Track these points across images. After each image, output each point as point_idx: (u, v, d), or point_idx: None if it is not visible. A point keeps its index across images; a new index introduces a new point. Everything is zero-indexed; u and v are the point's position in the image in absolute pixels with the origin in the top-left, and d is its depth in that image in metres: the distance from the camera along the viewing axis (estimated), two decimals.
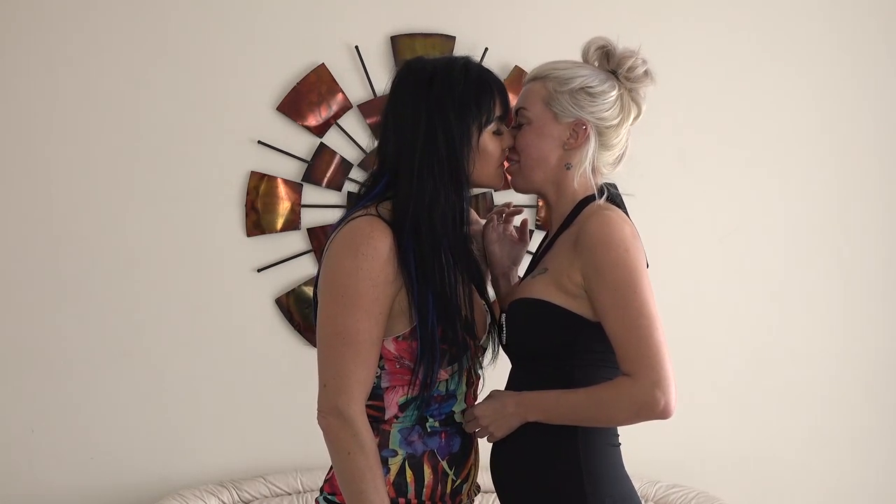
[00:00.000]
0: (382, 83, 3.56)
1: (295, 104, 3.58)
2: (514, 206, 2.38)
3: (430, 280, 2.02)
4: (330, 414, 2.00)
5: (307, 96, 3.58)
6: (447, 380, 2.10)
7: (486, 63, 2.20)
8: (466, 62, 2.12)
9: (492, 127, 2.12)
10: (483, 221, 2.39)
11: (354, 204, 2.11)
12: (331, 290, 2.01)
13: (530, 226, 2.46)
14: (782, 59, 3.83)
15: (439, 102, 2.05)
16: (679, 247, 3.75)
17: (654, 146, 3.61)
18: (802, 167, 3.85)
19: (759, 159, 3.83)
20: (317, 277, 2.11)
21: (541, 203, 3.61)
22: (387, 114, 2.12)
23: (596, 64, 2.18)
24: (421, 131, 2.04)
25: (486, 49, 3.52)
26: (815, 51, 3.84)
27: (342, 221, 2.08)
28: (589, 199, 2.16)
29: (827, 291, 3.87)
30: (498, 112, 2.12)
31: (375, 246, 1.98)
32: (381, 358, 2.04)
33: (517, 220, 2.40)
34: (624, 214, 2.13)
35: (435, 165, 2.04)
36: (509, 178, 2.22)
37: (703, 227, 3.80)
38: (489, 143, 2.12)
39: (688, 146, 3.77)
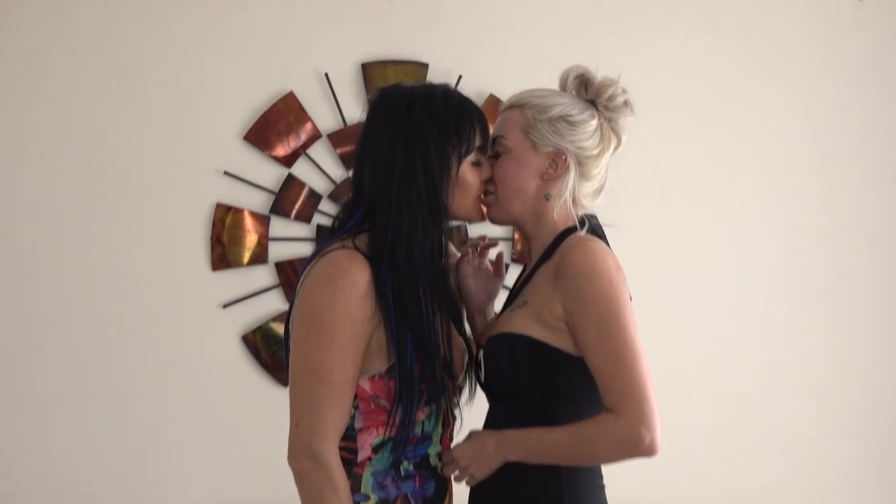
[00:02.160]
0: (353, 112, 3.61)
1: (262, 133, 3.58)
2: (490, 240, 2.38)
3: (409, 316, 2.01)
4: (302, 455, 1.98)
5: (275, 125, 3.58)
6: (423, 421, 2.09)
7: (460, 91, 2.18)
8: (446, 90, 2.12)
9: (471, 157, 2.12)
10: (458, 255, 2.38)
11: (329, 236, 2.11)
12: (306, 325, 1.99)
13: (506, 259, 2.46)
14: (765, 92, 3.87)
15: (418, 131, 2.04)
16: (661, 279, 3.76)
17: (632, 176, 3.54)
18: (787, 200, 3.88)
19: (742, 189, 3.86)
20: (289, 313, 2.10)
21: (517, 236, 3.61)
22: (363, 142, 2.11)
23: (573, 93, 2.19)
24: (399, 161, 2.03)
25: (460, 77, 3.54)
26: (800, 80, 3.88)
27: (317, 254, 2.06)
28: (569, 231, 2.15)
29: (815, 327, 3.89)
30: (478, 142, 2.12)
31: (353, 280, 1.97)
32: (354, 397, 2.02)
33: (492, 254, 2.39)
34: (606, 246, 2.14)
35: (413, 196, 2.03)
36: (485, 209, 2.22)
37: (686, 259, 3.81)
38: (468, 173, 2.12)
39: (667, 175, 3.80)
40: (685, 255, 3.83)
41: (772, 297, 3.87)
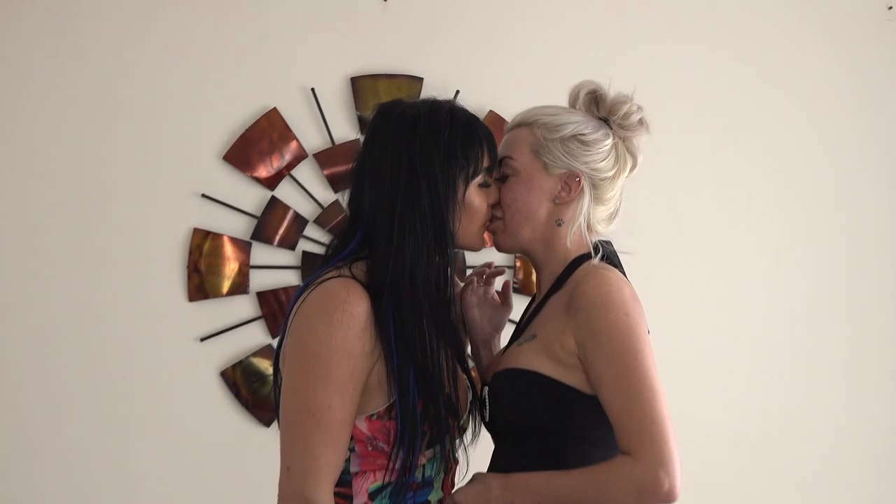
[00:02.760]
0: (341, 130, 3.62)
1: (243, 153, 3.58)
2: (497, 267, 2.38)
3: (412, 352, 2.00)
4: (294, 501, 1.95)
5: (257, 144, 3.58)
6: (425, 465, 2.07)
7: (467, 107, 2.19)
8: (452, 106, 2.11)
9: (479, 179, 2.12)
10: (461, 284, 2.38)
11: (323, 264, 2.10)
12: (299, 360, 1.98)
13: None
14: (787, 103, 3.88)
15: (423, 150, 2.04)
16: (680, 311, 3.77)
17: (644, 200, 3.43)
18: (811, 227, 3.90)
19: (762, 213, 3.88)
20: (278, 348, 2.09)
21: (518, 263, 3.62)
22: (361, 161, 2.11)
23: (585, 110, 2.20)
24: (402, 182, 2.03)
25: (458, 92, 3.51)
26: (824, 97, 3.89)
27: (310, 283, 2.04)
28: (582, 258, 2.16)
29: (833, 362, 3.90)
30: (486, 163, 2.12)
31: (352, 312, 1.96)
32: (350, 439, 2.01)
33: (499, 283, 2.39)
34: (622, 275, 2.14)
35: (417, 221, 2.03)
36: (491, 236, 2.22)
37: (706, 289, 3.83)
38: (475, 197, 2.12)
39: (681, 200, 3.81)
40: (706, 285, 3.83)
41: (797, 330, 3.89)
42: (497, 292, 2.38)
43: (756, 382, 3.86)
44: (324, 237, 3.59)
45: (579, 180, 2.15)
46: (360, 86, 3.64)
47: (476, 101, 3.45)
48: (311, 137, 3.63)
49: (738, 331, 3.86)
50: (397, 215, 2.03)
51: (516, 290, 3.56)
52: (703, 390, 3.80)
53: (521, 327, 2.23)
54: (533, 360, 2.08)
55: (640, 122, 2.19)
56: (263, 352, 3.59)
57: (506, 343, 2.29)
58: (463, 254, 3.51)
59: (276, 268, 3.62)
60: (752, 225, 3.88)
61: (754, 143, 3.88)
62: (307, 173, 3.63)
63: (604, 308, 2.01)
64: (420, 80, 3.65)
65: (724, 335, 3.85)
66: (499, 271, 2.37)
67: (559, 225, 2.17)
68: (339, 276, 2.01)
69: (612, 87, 2.21)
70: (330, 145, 3.63)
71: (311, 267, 3.53)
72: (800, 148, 3.89)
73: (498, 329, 2.37)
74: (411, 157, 2.04)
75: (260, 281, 3.61)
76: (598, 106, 2.20)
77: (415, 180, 2.03)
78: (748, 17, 3.87)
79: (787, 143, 3.88)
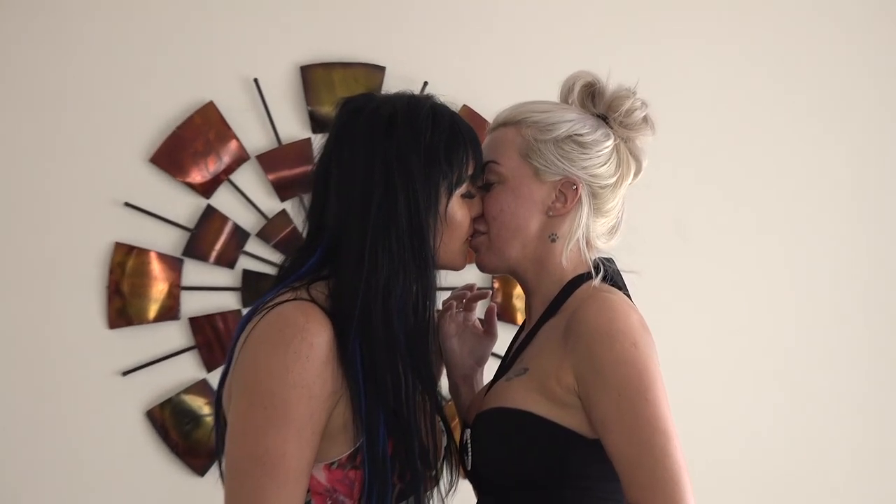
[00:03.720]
0: (290, 127, 3.63)
1: (174, 155, 3.58)
2: (479, 290, 2.38)
3: (383, 391, 2.00)
4: None
5: (190, 144, 3.58)
6: None
7: (448, 105, 2.19)
8: (434, 103, 2.11)
9: (462, 189, 2.12)
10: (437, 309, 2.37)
11: (275, 284, 2.08)
12: (248, 399, 1.96)
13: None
14: (805, 103, 3.94)
15: (401, 155, 2.04)
16: (687, 341, 3.80)
17: (650, 211, 3.61)
18: (829, 241, 3.96)
19: (773, 227, 3.93)
20: (221, 385, 2.07)
21: (496, 284, 3.64)
22: (326, 166, 2.10)
23: (580, 106, 2.21)
24: (376, 192, 2.02)
25: (426, 83, 3.54)
26: (846, 97, 3.97)
27: (261, 306, 2.03)
28: (581, 280, 2.15)
29: (853, 395, 3.96)
30: (470, 169, 2.12)
31: (311, 341, 1.94)
32: (307, 491, 1.99)
33: (480, 308, 2.39)
34: (627, 298, 2.13)
35: (393, 238, 2.02)
36: (474, 254, 2.22)
37: (717, 315, 3.86)
38: (458, 209, 2.12)
39: (693, 210, 3.85)
40: (722, 309, 3.88)
41: (817, 358, 3.96)
42: (479, 319, 2.38)
43: (778, 423, 3.93)
44: (268, 253, 3.60)
45: (576, 188, 2.15)
46: (311, 76, 3.64)
47: (447, 95, 3.33)
48: (253, 136, 3.63)
49: (758, 367, 3.90)
50: (369, 231, 2.02)
51: (498, 317, 3.53)
52: (719, 433, 3.85)
53: (509, 360, 2.22)
54: (524, 397, 2.06)
55: (645, 119, 2.19)
56: (197, 388, 3.59)
57: (490, 379, 2.28)
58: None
59: (212, 289, 3.61)
60: (775, 239, 3.93)
61: (775, 146, 3.93)
62: (249, 178, 3.63)
63: (608, 337, 1.99)
64: (381, 69, 3.66)
65: (743, 371, 3.89)
66: (481, 294, 2.37)
67: (553, 240, 2.17)
68: (295, 299, 1.99)
69: (612, 80, 2.21)
70: (276, 146, 3.64)
71: (253, 288, 3.57)
72: (822, 152, 3.96)
73: (480, 362, 2.37)
74: (387, 162, 2.03)
75: (193, 305, 3.61)
76: (596, 101, 2.20)
77: (391, 190, 2.02)
78: (764, 8, 3.95)
79: (809, 146, 3.95)
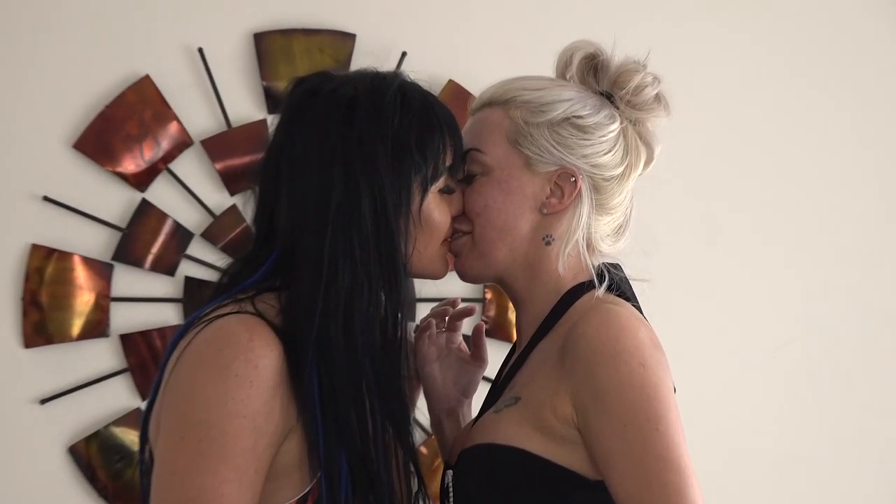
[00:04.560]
0: (241, 107, 3.63)
1: (102, 139, 3.56)
2: (465, 305, 2.38)
3: (345, 425, 1.96)
4: None
5: (122, 127, 3.57)
6: None
7: (420, 83, 2.16)
8: (402, 83, 2.09)
9: (440, 183, 2.09)
10: (414, 329, 2.39)
11: (215, 295, 2.05)
12: (180, 432, 1.91)
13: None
14: (841, 85, 3.99)
15: (365, 145, 2.01)
16: (708, 361, 3.82)
17: (665, 207, 3.57)
18: (880, 249, 4.01)
19: (825, 220, 3.97)
20: (147, 414, 2.03)
21: (489, 294, 3.64)
22: (275, 157, 2.07)
23: (579, 82, 2.19)
24: (335, 190, 2.00)
25: (404, 54, 3.59)
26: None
27: (196, 320, 1.98)
28: (581, 289, 2.12)
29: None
30: (448, 160, 2.10)
31: (256, 363, 1.89)
32: None
33: (467, 325, 2.38)
34: (636, 311, 2.10)
35: (356, 244, 2.00)
36: (452, 259, 2.20)
37: (744, 332, 3.88)
38: (435, 208, 2.10)
39: (715, 206, 3.87)
40: (750, 322, 3.90)
41: (855, 382, 4.00)
42: (465, 337, 2.38)
43: (814, 450, 3.99)
44: (216, 258, 3.50)
45: (575, 181, 2.12)
46: (266, 45, 3.64)
47: (429, 67, 3.43)
48: (197, 117, 3.62)
49: (792, 393, 3.96)
50: (328, 235, 1.99)
51: (488, 335, 3.58)
52: (744, 472, 3.90)
53: (499, 387, 2.19)
54: (515, 432, 2.03)
55: (657, 98, 2.17)
56: (130, 419, 3.57)
57: (478, 410, 2.26)
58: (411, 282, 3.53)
59: (148, 300, 3.61)
60: (814, 240, 3.98)
61: (811, 131, 3.97)
62: (192, 168, 3.63)
63: (612, 357, 1.96)
64: (352, 37, 3.65)
65: (773, 398, 3.94)
66: (467, 310, 2.37)
67: (548, 243, 2.14)
68: (238, 313, 1.95)
69: (618, 51, 2.18)
70: (224, 128, 3.62)
71: (198, 299, 3.54)
72: (872, 141, 4.02)
73: (467, 392, 2.36)
74: (347, 154, 2.01)
75: (125, 319, 3.60)
76: (599, 76, 2.19)
77: (353, 187, 2.01)
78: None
79: (849, 132, 4.01)
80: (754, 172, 3.91)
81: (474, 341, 2.36)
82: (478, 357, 2.35)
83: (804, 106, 3.96)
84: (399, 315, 2.05)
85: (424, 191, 2.07)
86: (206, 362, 1.92)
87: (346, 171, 2.01)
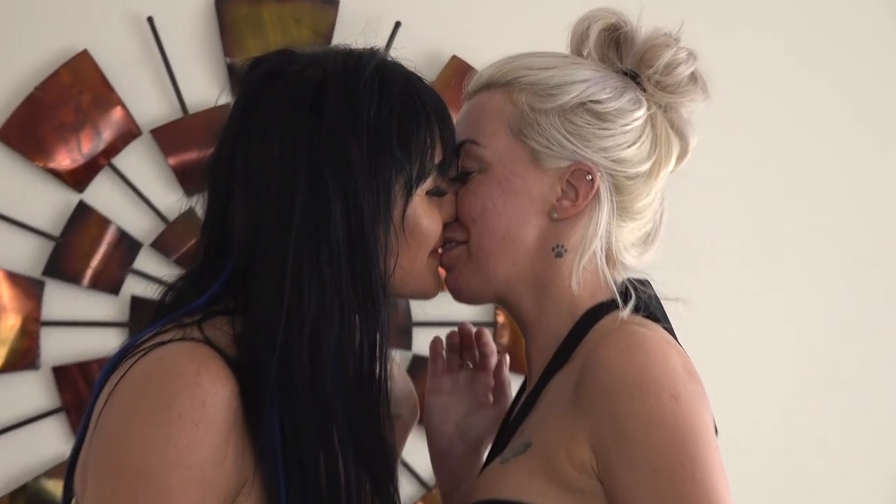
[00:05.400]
0: (199, 90, 3.61)
1: (30, 128, 3.54)
2: (479, 330, 2.39)
3: (311, 478, 1.92)
4: None
5: (54, 114, 3.54)
6: None
7: (400, 52, 2.12)
8: (380, 62, 2.05)
9: (427, 185, 2.06)
10: (397, 360, 2.30)
11: (156, 317, 2.01)
12: (112, 484, 1.85)
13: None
14: None
15: (335, 138, 1.97)
16: (756, 393, 3.88)
17: (704, 211, 3.60)
18: None
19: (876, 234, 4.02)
20: (73, 460, 1.97)
21: (501, 318, 3.65)
22: (229, 154, 2.03)
23: (598, 59, 2.18)
24: (299, 193, 1.97)
25: (398, 24, 3.61)
26: None
27: (132, 348, 1.93)
28: (601, 310, 2.09)
29: None
30: (438, 156, 2.06)
31: (204, 401, 1.84)
32: None
33: (483, 353, 2.40)
34: (668, 334, 2.07)
35: (325, 259, 1.96)
36: (443, 274, 2.17)
37: (798, 354, 3.94)
38: (422, 214, 2.06)
39: (768, 210, 3.92)
40: (805, 345, 3.95)
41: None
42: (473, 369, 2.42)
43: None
44: (168, 272, 3.27)
45: (592, 179, 2.09)
46: (230, 14, 3.63)
47: (428, 41, 3.64)
48: (147, 102, 3.60)
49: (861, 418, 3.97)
50: (291, 247, 1.96)
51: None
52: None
53: (507, 431, 2.17)
54: (524, 485, 2.00)
55: (693, 78, 2.14)
56: (64, 469, 3.39)
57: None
58: (407, 304, 3.58)
59: (86, 324, 3.58)
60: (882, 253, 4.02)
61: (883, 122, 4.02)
62: (140, 163, 3.60)
63: (637, 389, 1.93)
64: (334, 4, 3.65)
65: (837, 427, 3.96)
66: (478, 334, 2.40)
67: (559, 255, 2.11)
68: (183, 340, 1.90)
69: (644, 21, 2.15)
70: (180, 115, 3.61)
71: (147, 323, 3.45)
72: None
73: (465, 437, 2.38)
74: (314, 149, 1.97)
75: (59, 348, 3.56)
76: (622, 52, 2.17)
77: (321, 189, 1.98)
78: None
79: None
80: (809, 169, 3.95)
81: (497, 380, 2.37)
82: (501, 397, 2.36)
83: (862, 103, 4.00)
84: (378, 344, 2.02)
85: (408, 194, 2.04)
86: (144, 400, 1.87)
87: (312, 171, 1.98)
